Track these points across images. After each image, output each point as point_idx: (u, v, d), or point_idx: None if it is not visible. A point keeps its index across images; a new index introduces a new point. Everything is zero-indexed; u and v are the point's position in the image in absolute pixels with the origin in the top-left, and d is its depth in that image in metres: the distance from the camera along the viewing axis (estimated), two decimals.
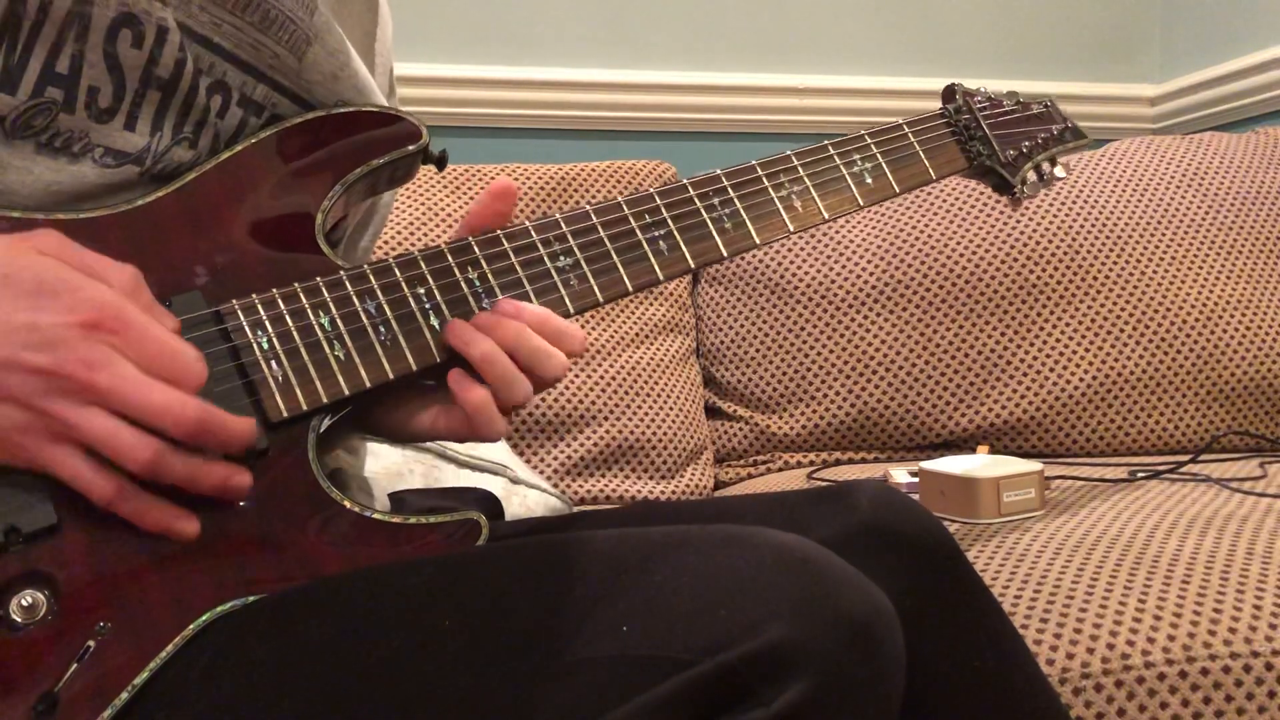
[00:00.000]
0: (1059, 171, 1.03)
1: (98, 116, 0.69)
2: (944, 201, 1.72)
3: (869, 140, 0.89)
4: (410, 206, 1.64)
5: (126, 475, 0.60)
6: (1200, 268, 1.68)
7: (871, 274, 1.68)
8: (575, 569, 0.60)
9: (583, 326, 1.63)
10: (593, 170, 1.77)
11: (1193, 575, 0.96)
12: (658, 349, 1.68)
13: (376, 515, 0.67)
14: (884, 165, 0.89)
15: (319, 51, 0.78)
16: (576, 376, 1.60)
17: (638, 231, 0.79)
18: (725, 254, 0.82)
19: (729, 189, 0.83)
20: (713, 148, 2.04)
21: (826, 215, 0.86)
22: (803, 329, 1.68)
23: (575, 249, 0.77)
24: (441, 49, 1.95)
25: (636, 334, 1.67)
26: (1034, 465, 1.18)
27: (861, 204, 0.88)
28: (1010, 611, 0.92)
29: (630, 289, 0.78)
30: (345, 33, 0.82)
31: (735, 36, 2.06)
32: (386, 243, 1.58)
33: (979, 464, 1.20)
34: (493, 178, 1.71)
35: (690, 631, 0.55)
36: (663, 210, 0.80)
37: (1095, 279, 1.67)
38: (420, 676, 0.57)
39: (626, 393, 1.62)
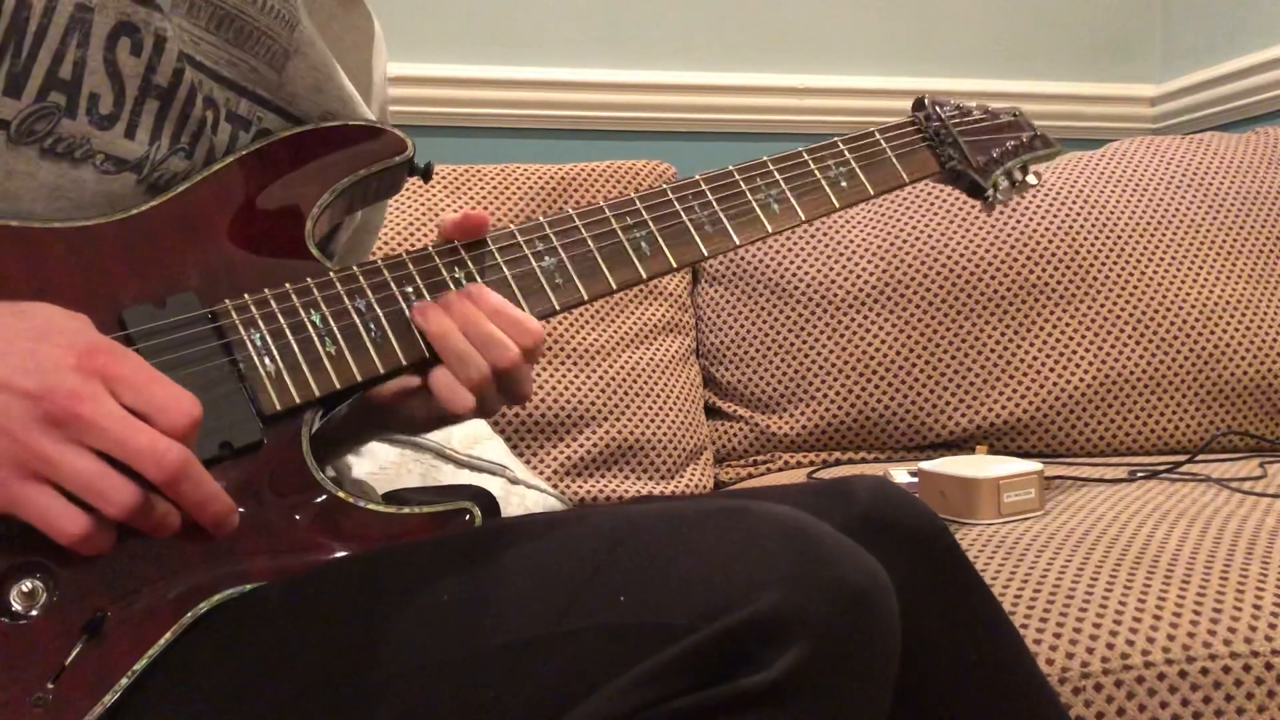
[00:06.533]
0: (1030, 179, 1.04)
1: (98, 123, 0.71)
2: (944, 201, 1.72)
3: (842, 146, 0.91)
4: (409, 207, 1.64)
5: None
6: (1200, 268, 1.68)
7: (871, 274, 1.68)
8: (571, 542, 0.61)
9: (583, 327, 1.64)
10: (593, 170, 1.76)
11: (1192, 575, 0.95)
12: (658, 349, 1.68)
13: (371, 506, 0.69)
14: (857, 169, 0.91)
15: (299, 65, 0.79)
16: (576, 377, 1.60)
17: (619, 232, 0.81)
18: (705, 253, 0.83)
19: (707, 193, 0.85)
20: (713, 148, 2.03)
21: (803, 216, 0.87)
22: (803, 329, 1.68)
23: (559, 249, 0.79)
24: (441, 49, 1.94)
25: (636, 334, 1.67)
26: (1034, 465, 1.18)
27: (837, 205, 0.89)
28: (1010, 611, 0.92)
29: (614, 287, 0.79)
30: (339, 55, 0.83)
31: (735, 36, 2.06)
32: (386, 242, 1.58)
33: (979, 464, 1.20)
34: (493, 178, 1.71)
35: (688, 599, 0.56)
36: (643, 212, 0.82)
37: (1095, 279, 1.66)
38: (417, 651, 0.58)
39: (626, 393, 1.61)
